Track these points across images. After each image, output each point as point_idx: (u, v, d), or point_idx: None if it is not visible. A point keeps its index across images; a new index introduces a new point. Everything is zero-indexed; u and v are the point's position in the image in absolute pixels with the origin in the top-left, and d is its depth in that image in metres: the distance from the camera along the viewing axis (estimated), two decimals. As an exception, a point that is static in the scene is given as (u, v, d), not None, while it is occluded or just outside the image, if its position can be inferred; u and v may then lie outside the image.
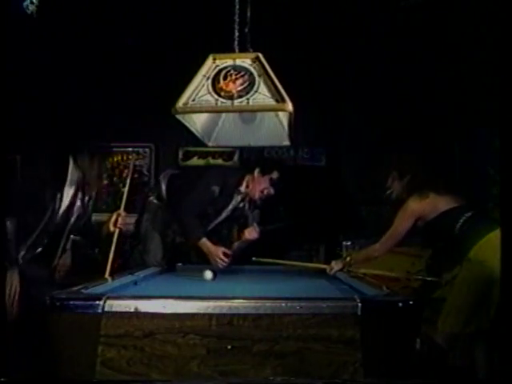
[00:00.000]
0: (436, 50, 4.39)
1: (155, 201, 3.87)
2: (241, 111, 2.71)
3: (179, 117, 2.52)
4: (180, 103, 2.40)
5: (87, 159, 3.10)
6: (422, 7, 4.03)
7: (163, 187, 3.85)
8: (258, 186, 3.64)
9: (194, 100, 2.43)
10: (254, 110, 2.68)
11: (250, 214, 3.87)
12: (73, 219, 3.09)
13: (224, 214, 3.78)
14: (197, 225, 3.57)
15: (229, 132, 3.09)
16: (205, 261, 3.57)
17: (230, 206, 3.74)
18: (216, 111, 2.70)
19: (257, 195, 3.66)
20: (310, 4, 4.14)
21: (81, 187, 3.09)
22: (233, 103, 2.40)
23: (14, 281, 2.90)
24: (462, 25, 4.05)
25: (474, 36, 4.00)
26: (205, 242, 3.48)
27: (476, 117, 4.38)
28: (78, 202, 3.13)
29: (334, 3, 4.15)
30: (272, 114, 2.81)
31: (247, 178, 3.67)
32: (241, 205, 3.77)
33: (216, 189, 3.59)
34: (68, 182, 3.06)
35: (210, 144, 3.18)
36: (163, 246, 3.84)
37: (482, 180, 4.41)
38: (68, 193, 3.06)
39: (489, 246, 2.82)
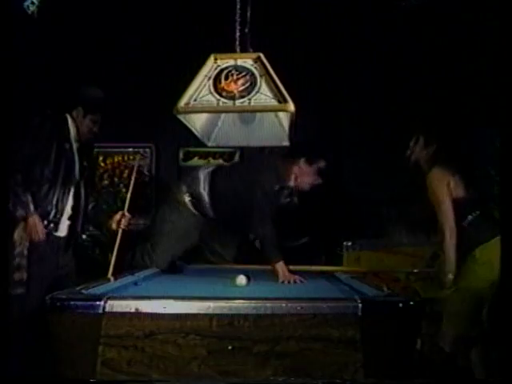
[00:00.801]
0: (437, 50, 4.39)
1: (189, 199, 3.47)
2: (243, 111, 2.71)
3: (180, 117, 2.52)
4: (182, 103, 2.40)
5: (81, 113, 3.24)
6: (423, 7, 4.03)
7: (202, 185, 3.46)
8: (306, 177, 3.37)
9: (195, 100, 2.43)
10: (256, 111, 2.68)
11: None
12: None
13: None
14: (275, 242, 3.21)
15: (228, 132, 3.09)
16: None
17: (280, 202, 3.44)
18: (218, 111, 2.70)
19: (306, 187, 3.41)
20: (310, 5, 4.14)
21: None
22: (234, 103, 2.40)
23: (36, 225, 3.01)
24: (463, 24, 4.05)
25: (475, 36, 4.00)
26: (282, 266, 3.10)
27: (477, 117, 4.38)
28: (85, 163, 3.28)
29: (335, 4, 4.15)
30: (272, 114, 2.81)
31: (295, 169, 3.35)
32: (288, 199, 3.49)
33: (277, 186, 3.34)
34: (72, 136, 3.22)
35: (209, 144, 3.17)
36: (174, 251, 3.53)
37: (482, 180, 4.40)
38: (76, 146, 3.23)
39: (495, 249, 2.81)
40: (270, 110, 2.60)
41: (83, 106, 3.25)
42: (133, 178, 3.39)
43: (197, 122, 2.82)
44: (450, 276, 2.88)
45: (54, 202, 3.09)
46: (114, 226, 3.17)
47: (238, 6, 2.56)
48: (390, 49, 4.59)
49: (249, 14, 2.56)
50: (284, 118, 2.77)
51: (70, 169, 3.16)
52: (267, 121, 2.93)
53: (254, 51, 2.51)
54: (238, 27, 2.55)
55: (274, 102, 2.38)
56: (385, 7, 4.19)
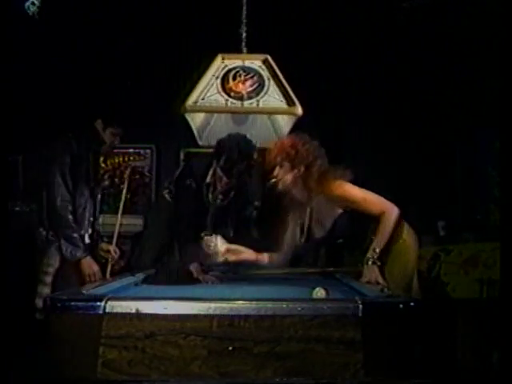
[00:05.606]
0: (438, 51, 4.40)
1: (167, 196, 3.51)
2: (251, 113, 2.67)
3: (187, 115, 2.50)
4: (190, 101, 2.38)
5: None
6: (425, 8, 4.04)
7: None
8: (219, 179, 3.36)
9: (203, 99, 2.41)
10: (265, 113, 2.65)
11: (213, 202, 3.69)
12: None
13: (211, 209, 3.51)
14: None
15: (220, 132, 3.06)
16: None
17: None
18: (226, 111, 2.67)
19: (221, 188, 3.39)
20: (312, 6, 4.14)
21: None
22: (243, 104, 2.38)
23: (92, 266, 3.11)
24: (464, 26, 4.06)
25: (476, 37, 4.01)
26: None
27: (477, 117, 4.38)
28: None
29: (337, 5, 4.15)
30: (265, 116, 2.78)
31: (211, 170, 3.36)
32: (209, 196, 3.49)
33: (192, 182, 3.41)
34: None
35: (200, 143, 3.16)
36: (158, 249, 3.53)
37: (483, 181, 4.41)
38: None
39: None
40: (279, 113, 2.58)
41: (103, 119, 3.32)
42: (125, 185, 3.45)
43: (196, 121, 2.80)
44: (378, 250, 2.74)
45: (87, 223, 3.23)
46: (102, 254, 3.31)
47: (245, 7, 2.55)
48: (392, 50, 4.60)
49: (257, 14, 2.55)
50: (276, 121, 2.75)
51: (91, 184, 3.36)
52: (259, 122, 2.90)
53: (262, 52, 2.50)
54: (245, 28, 2.54)
55: (282, 105, 2.37)
56: (387, 9, 4.20)
